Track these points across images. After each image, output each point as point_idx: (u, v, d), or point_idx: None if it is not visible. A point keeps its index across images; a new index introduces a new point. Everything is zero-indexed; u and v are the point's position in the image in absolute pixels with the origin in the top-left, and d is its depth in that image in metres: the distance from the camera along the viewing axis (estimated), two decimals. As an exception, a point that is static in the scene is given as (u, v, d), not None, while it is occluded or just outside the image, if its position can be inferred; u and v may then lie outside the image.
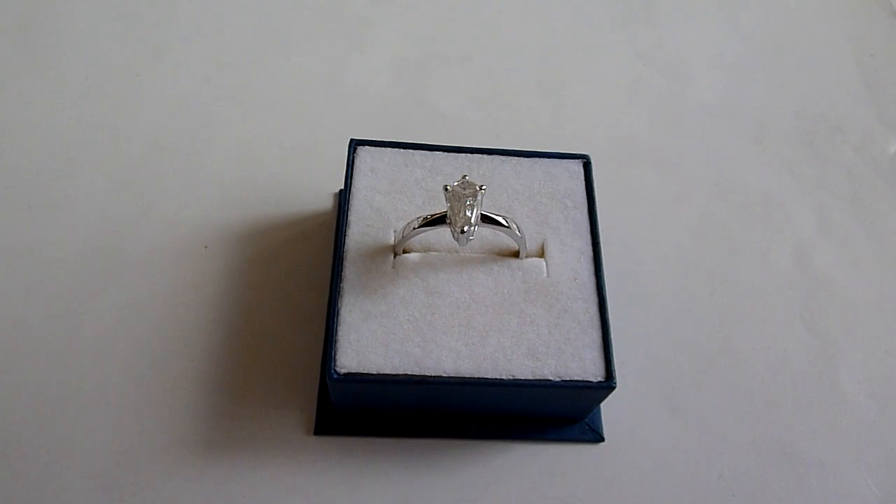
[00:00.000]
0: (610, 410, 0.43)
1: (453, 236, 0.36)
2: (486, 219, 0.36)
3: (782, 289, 0.49)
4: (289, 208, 0.48)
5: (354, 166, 0.42)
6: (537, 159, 0.43)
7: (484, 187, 0.36)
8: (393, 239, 0.40)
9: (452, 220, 0.35)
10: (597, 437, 0.42)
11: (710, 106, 0.58)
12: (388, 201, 0.41)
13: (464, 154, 0.43)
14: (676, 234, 0.50)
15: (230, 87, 0.54)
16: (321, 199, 0.49)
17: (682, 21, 0.63)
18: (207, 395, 0.41)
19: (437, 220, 0.36)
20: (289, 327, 0.44)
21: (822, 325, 0.47)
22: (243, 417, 0.41)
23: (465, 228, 0.35)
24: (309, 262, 0.46)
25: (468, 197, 0.36)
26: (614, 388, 0.36)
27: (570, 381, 0.36)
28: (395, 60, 0.57)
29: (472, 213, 0.35)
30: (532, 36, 0.61)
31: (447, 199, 0.36)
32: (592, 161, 0.44)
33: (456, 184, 0.36)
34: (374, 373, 0.35)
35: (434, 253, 0.40)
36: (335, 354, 0.36)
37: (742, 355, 0.46)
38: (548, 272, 0.39)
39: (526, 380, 0.36)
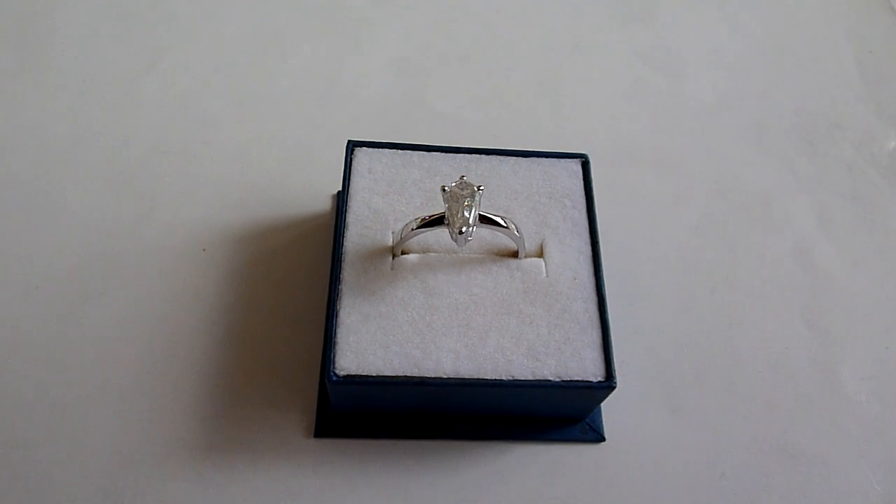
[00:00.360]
0: (610, 410, 0.42)
1: (451, 237, 0.36)
2: (484, 219, 0.36)
3: (783, 287, 0.48)
4: (287, 210, 0.48)
5: (352, 168, 0.42)
6: (536, 159, 0.43)
7: (482, 188, 0.36)
8: (391, 240, 0.40)
9: (450, 221, 0.35)
10: (598, 436, 0.41)
11: (708, 104, 0.58)
12: (386, 202, 0.41)
13: (462, 154, 0.43)
14: (676, 232, 0.50)
15: (228, 89, 0.54)
16: (319, 200, 0.49)
17: (681, 20, 0.63)
18: (207, 398, 0.41)
19: (436, 221, 0.36)
20: (288, 329, 0.44)
21: (823, 323, 0.47)
22: (243, 420, 0.40)
23: (464, 229, 0.35)
24: (307, 264, 0.46)
25: (466, 197, 0.35)
26: (614, 387, 0.36)
27: (570, 381, 0.36)
28: (393, 61, 0.57)
29: (470, 214, 0.35)
30: (530, 36, 0.60)
31: (445, 200, 0.36)
32: (591, 160, 0.44)
33: (454, 184, 0.36)
34: (374, 375, 0.35)
35: (432, 254, 0.40)
36: (334, 357, 0.36)
37: (743, 354, 0.45)
38: (547, 272, 0.39)
39: (526, 380, 0.36)
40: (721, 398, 0.44)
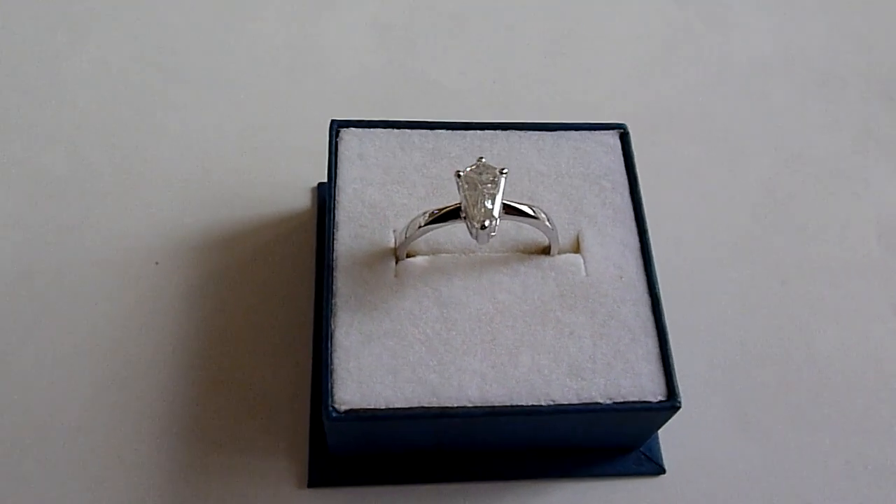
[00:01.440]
0: (669, 435, 0.42)
1: (470, 233, 0.35)
2: (509, 209, 0.36)
3: (868, 273, 0.49)
4: (258, 210, 0.48)
5: (339, 154, 0.42)
6: (563, 132, 0.43)
7: (505, 171, 0.35)
8: (393, 240, 0.39)
9: (469, 214, 0.35)
10: (656, 468, 0.41)
11: (762, 57, 0.58)
12: (383, 194, 0.41)
13: (472, 131, 0.43)
14: (734, 214, 0.50)
15: (175, 66, 0.54)
16: (297, 196, 0.49)
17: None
18: (173, 447, 0.40)
19: (450, 215, 0.36)
20: (266, 356, 0.43)
21: (918, 316, 0.47)
22: (220, 471, 0.40)
23: (487, 223, 0.34)
24: (286, 275, 0.46)
25: (486, 184, 0.35)
26: (678, 408, 0.36)
27: (624, 402, 0.36)
28: (376, 23, 0.57)
29: (492, 204, 0.35)
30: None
31: (460, 188, 0.35)
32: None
33: (470, 168, 0.36)
34: (383, 407, 0.35)
35: (445, 255, 0.39)
36: (332, 388, 0.35)
37: (825, 358, 0.45)
38: (586, 270, 0.39)
39: (569, 404, 0.36)
40: (802, 413, 0.44)
